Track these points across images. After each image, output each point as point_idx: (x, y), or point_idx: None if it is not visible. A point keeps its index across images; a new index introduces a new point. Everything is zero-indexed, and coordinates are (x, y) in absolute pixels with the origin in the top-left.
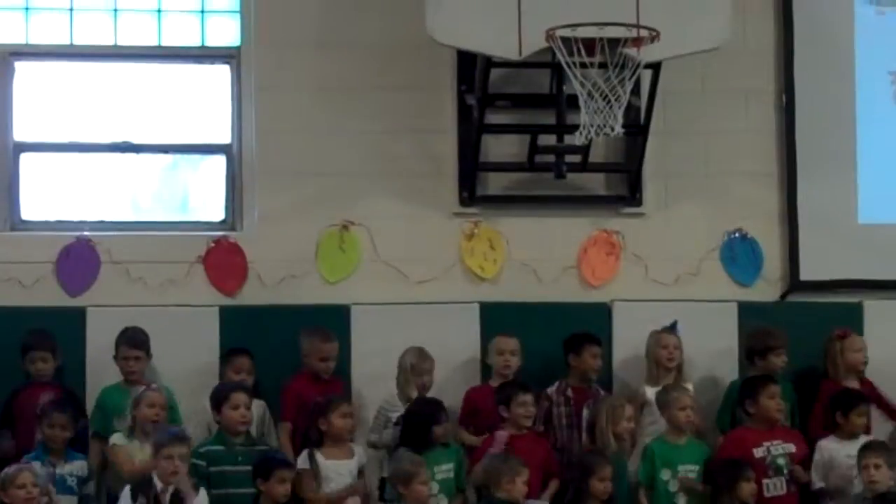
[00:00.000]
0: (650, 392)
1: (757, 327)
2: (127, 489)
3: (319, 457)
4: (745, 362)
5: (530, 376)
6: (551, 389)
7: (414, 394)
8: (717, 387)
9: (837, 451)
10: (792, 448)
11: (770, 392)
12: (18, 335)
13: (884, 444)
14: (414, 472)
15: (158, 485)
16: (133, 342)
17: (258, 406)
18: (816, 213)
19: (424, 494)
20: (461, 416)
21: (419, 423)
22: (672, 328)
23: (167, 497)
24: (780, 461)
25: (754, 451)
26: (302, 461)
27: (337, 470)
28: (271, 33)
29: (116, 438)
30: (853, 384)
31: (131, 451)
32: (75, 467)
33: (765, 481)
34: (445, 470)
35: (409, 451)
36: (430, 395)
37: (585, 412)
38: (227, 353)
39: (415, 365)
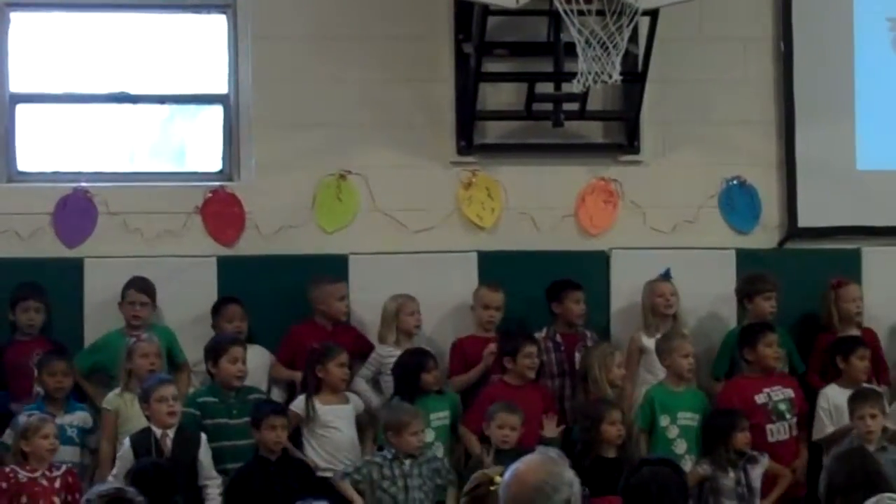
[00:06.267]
0: (647, 341)
1: (750, 271)
2: (127, 442)
3: (318, 403)
4: (739, 306)
5: (528, 326)
6: (539, 336)
7: (392, 338)
8: (715, 334)
9: (842, 400)
10: (791, 393)
11: (768, 340)
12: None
13: (874, 390)
14: (407, 421)
15: (157, 431)
16: (142, 287)
17: (261, 354)
18: (815, 160)
19: (414, 445)
20: (452, 367)
21: (408, 372)
22: (665, 276)
23: (168, 442)
24: (782, 406)
25: (755, 397)
26: (298, 406)
27: (336, 414)
28: None
29: (109, 402)
30: (853, 333)
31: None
32: (76, 418)
33: (768, 426)
34: (441, 417)
35: (403, 400)
36: (424, 342)
37: (577, 356)
38: (218, 303)
39: (400, 307)
